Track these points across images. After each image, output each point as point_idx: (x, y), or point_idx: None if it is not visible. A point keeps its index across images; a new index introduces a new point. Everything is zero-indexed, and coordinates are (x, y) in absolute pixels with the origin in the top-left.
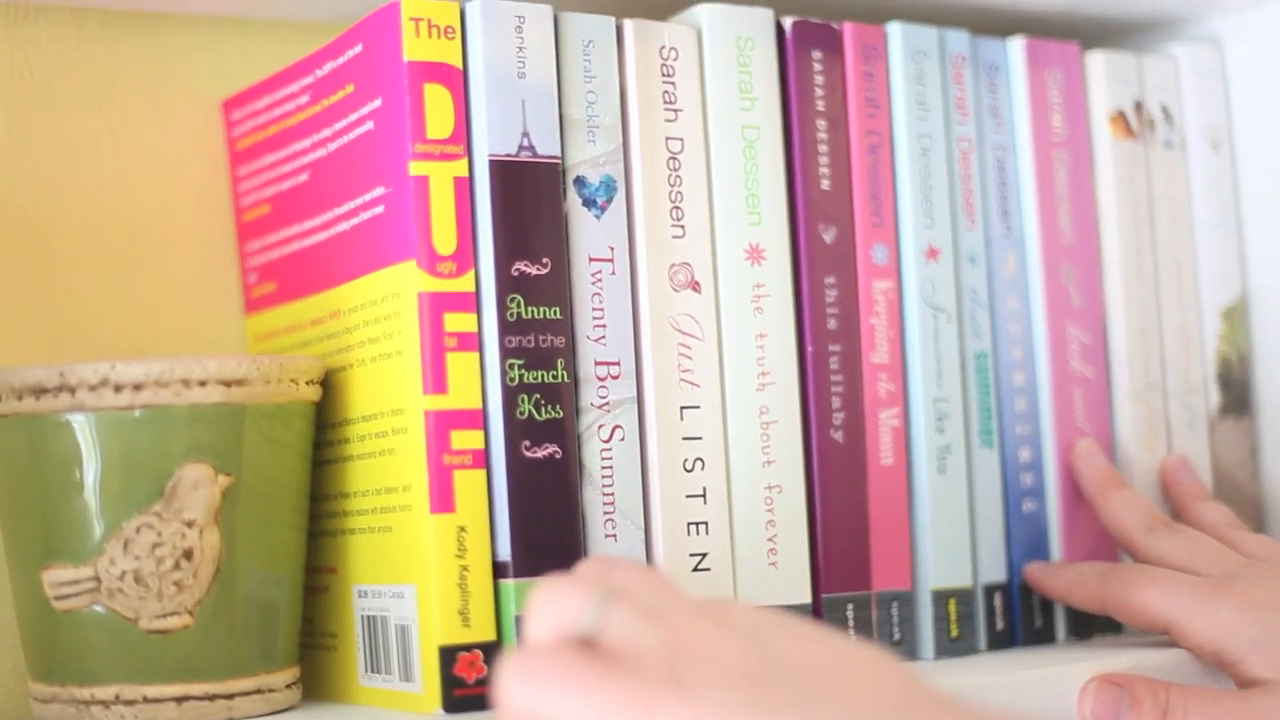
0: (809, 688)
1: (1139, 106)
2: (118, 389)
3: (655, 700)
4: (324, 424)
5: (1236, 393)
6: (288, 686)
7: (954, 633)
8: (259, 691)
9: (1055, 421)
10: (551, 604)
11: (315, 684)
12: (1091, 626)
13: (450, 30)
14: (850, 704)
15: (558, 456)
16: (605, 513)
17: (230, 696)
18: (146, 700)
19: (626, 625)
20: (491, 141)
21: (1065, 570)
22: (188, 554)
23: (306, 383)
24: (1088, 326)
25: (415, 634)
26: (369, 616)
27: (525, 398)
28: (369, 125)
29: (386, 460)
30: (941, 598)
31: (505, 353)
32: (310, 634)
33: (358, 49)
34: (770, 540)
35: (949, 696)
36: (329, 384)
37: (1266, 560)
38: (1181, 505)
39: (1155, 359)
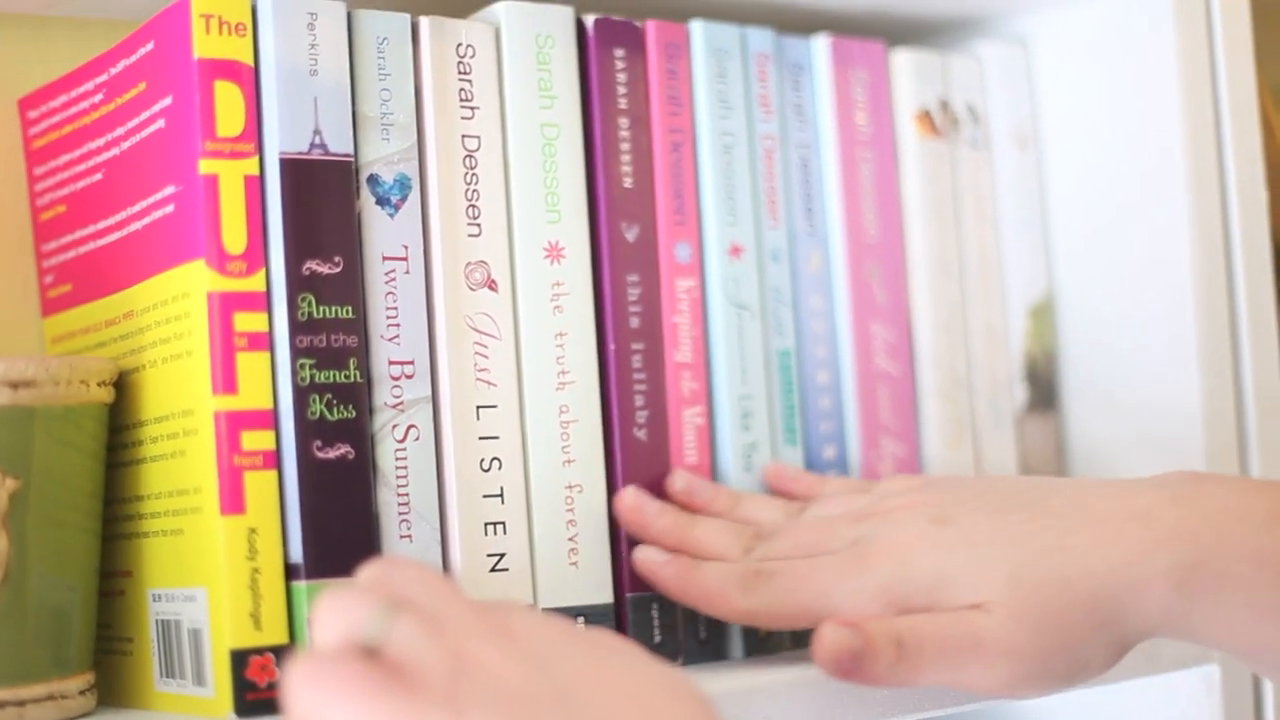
0: (586, 717)
1: (944, 105)
2: None
3: None
4: (117, 426)
5: (1043, 389)
6: (81, 693)
7: (763, 631)
8: (51, 698)
9: (860, 419)
10: (334, 614)
11: (113, 690)
12: None
13: (241, 27)
14: None
15: (350, 457)
16: (400, 513)
17: (21, 703)
18: None
19: (409, 638)
20: (283, 139)
21: (703, 575)
22: None
23: (98, 384)
24: (893, 324)
25: (207, 637)
26: (163, 620)
27: (317, 398)
28: (160, 123)
29: (178, 462)
30: None
31: (296, 352)
32: (107, 639)
33: (149, 46)
34: (571, 540)
35: None
36: (122, 385)
37: (902, 497)
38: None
39: (961, 356)
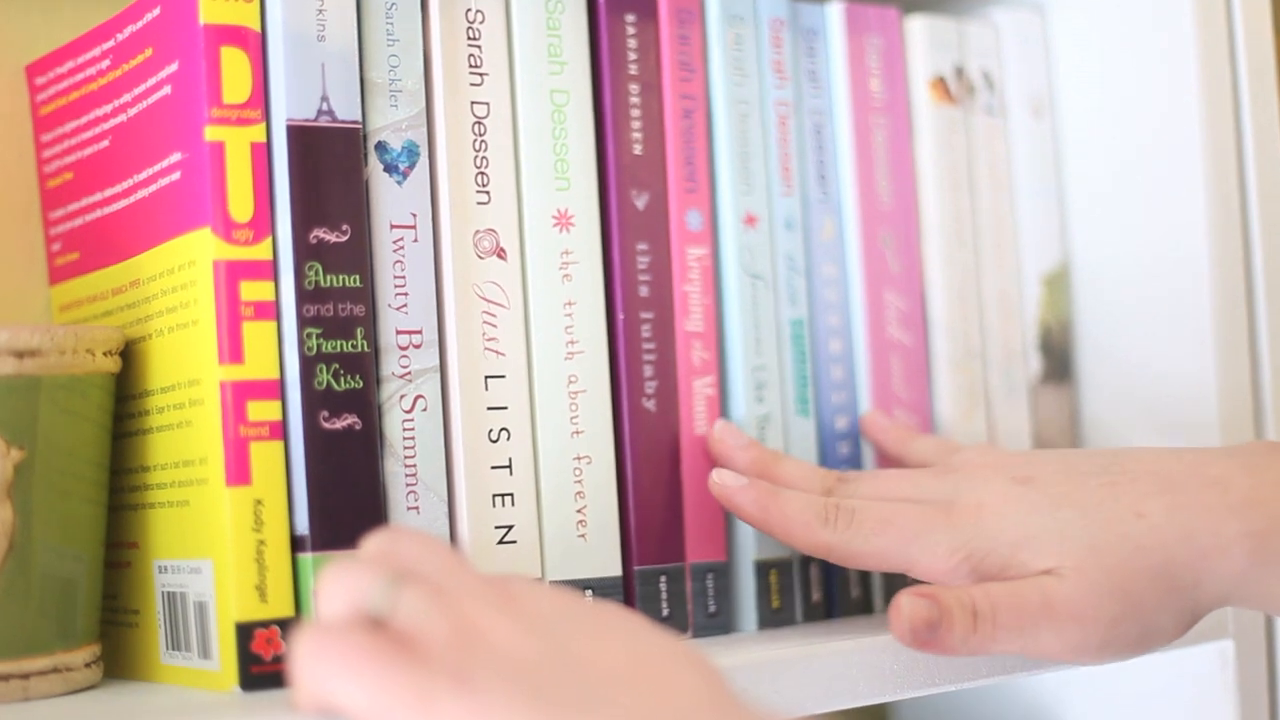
0: (596, 689)
1: (960, 72)
2: None
3: (438, 693)
4: (124, 395)
5: (1057, 360)
6: (87, 665)
7: (776, 604)
8: (56, 671)
9: (873, 389)
10: (340, 586)
11: (119, 662)
12: None
13: None
14: (636, 708)
15: (357, 428)
16: (407, 484)
17: (26, 676)
18: None
19: (415, 609)
20: (290, 106)
21: (784, 501)
22: None
23: (104, 353)
24: (906, 293)
25: (212, 610)
26: (169, 592)
27: (324, 367)
28: (166, 90)
29: (184, 432)
30: (764, 569)
31: (303, 322)
32: (114, 611)
33: (155, 12)
34: (579, 512)
35: (746, 702)
36: (129, 355)
37: (985, 456)
38: (896, 452)
39: (975, 326)
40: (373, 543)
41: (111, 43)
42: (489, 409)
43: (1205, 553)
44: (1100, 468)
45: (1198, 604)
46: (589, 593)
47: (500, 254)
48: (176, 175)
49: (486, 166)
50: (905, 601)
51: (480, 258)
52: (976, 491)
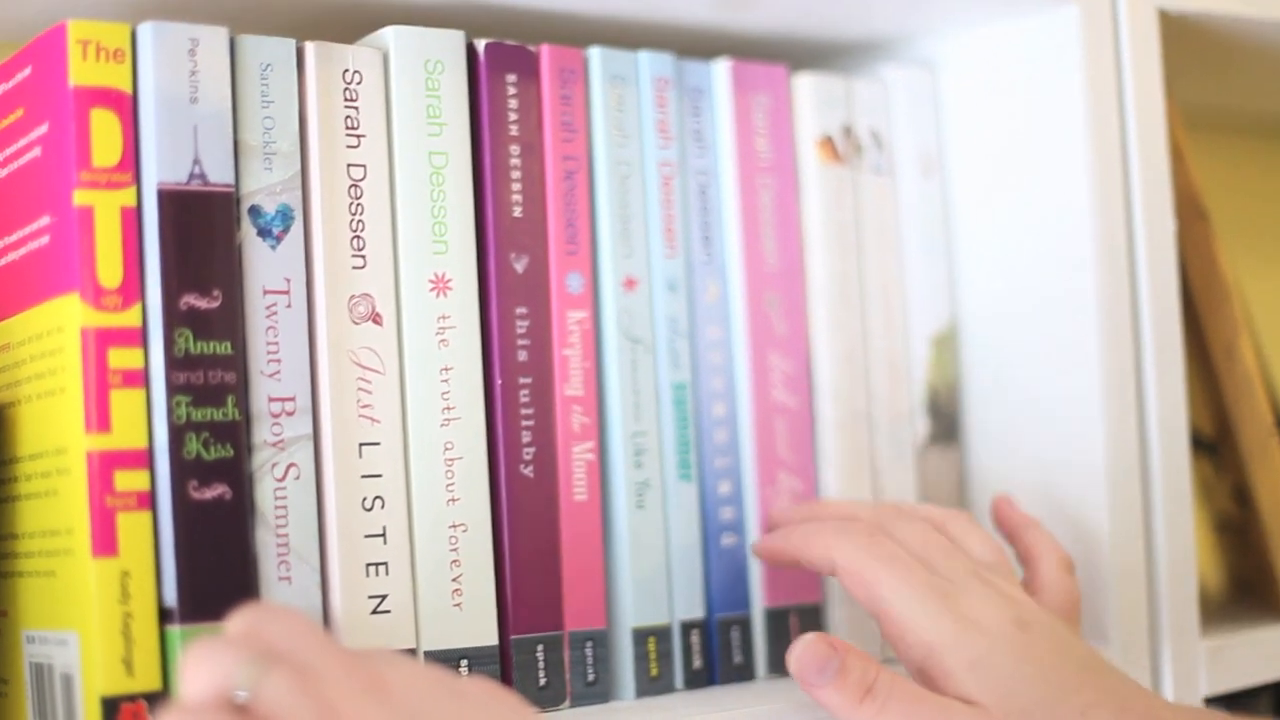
0: None
1: (848, 131)
2: None
3: None
4: None
5: (944, 422)
6: None
7: (654, 672)
8: None
9: (757, 453)
10: (204, 665)
11: None
12: None
13: (119, 53)
14: None
15: (227, 497)
16: (279, 554)
17: None
18: None
19: (279, 693)
20: (161, 170)
21: (796, 531)
22: None
23: None
24: (791, 355)
25: (78, 683)
26: (36, 664)
27: (193, 436)
28: (36, 152)
29: (50, 501)
30: (641, 636)
31: (172, 389)
32: None
33: (27, 72)
34: (455, 581)
35: None
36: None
37: (997, 569)
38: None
39: (861, 388)
40: (239, 620)
41: None
42: (363, 477)
43: None
44: (1084, 659)
45: None
46: (465, 663)
47: (376, 319)
48: (45, 240)
49: (363, 230)
50: (811, 639)
51: (355, 323)
52: (976, 602)
